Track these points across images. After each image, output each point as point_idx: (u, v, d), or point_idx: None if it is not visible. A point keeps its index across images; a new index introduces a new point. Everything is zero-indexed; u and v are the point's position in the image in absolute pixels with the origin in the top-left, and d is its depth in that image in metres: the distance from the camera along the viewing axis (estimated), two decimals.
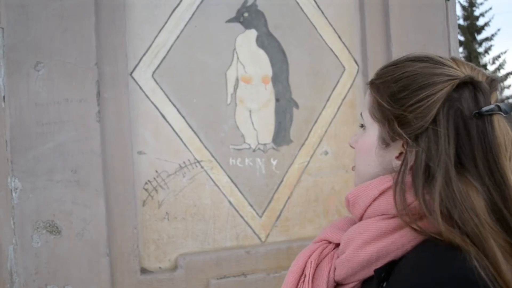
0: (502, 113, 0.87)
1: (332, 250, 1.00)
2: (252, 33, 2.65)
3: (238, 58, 2.62)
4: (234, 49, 2.61)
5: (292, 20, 2.73)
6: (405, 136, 0.89)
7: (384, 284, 0.86)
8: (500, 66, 31.12)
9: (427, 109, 0.87)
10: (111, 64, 2.32)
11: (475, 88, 0.87)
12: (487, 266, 0.76)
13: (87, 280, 2.23)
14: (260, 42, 2.66)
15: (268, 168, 2.65)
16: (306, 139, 2.73)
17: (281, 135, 2.69)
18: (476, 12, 30.50)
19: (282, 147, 2.69)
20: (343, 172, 2.79)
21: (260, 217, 2.65)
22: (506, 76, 30.86)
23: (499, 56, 31.10)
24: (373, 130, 0.97)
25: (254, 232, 2.63)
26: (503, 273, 0.76)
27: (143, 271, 2.41)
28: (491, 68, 31.34)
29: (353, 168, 1.05)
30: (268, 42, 2.68)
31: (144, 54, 2.46)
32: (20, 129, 2.14)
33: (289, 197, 2.70)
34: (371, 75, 2.88)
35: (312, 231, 2.72)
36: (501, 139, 0.86)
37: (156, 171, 2.46)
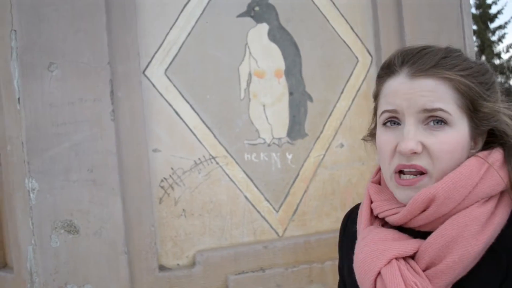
0: None
1: (405, 266, 0.87)
2: (264, 27, 2.63)
3: (250, 52, 2.60)
4: (246, 43, 2.60)
5: (303, 13, 2.71)
6: (494, 122, 0.91)
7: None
8: None
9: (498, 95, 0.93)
10: (124, 62, 2.33)
11: None
12: None
13: (106, 279, 2.24)
14: (272, 36, 2.64)
15: (283, 162, 2.63)
16: (321, 132, 2.71)
17: (295, 129, 2.67)
18: (489, 0, 30.10)
19: (297, 141, 2.67)
20: (359, 164, 2.77)
21: (277, 211, 2.64)
22: None
23: None
24: (462, 124, 0.89)
25: (271, 226, 2.62)
26: None
27: (161, 268, 2.42)
28: (505, 56, 30.93)
29: (421, 173, 0.89)
30: (280, 36, 2.66)
31: (156, 51, 2.45)
32: (35, 130, 2.15)
33: (305, 191, 2.68)
34: None
35: (329, 224, 2.71)
36: None
37: (172, 168, 2.46)
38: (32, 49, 2.15)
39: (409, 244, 0.88)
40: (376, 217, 0.98)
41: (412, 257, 0.88)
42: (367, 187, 1.03)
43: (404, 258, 0.88)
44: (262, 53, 2.63)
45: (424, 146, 0.87)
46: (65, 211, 2.19)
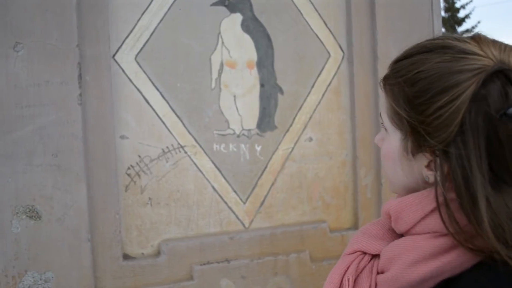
0: None
1: (369, 262, 0.91)
2: (237, 17, 2.61)
3: (223, 42, 2.58)
4: (219, 33, 2.58)
5: (277, 5, 2.71)
6: (430, 149, 0.80)
7: None
8: None
9: (450, 117, 0.75)
10: (93, 46, 2.27)
11: (506, 78, 0.74)
12: None
13: (68, 266, 2.19)
14: (245, 27, 2.63)
15: (252, 154, 2.63)
16: (291, 125, 2.72)
17: (265, 121, 2.67)
18: (457, 4, 30.77)
19: (267, 133, 2.67)
20: (327, 159, 2.79)
21: (244, 203, 2.64)
22: None
23: None
24: (395, 137, 0.86)
25: (237, 218, 2.62)
26: None
27: (126, 257, 2.39)
28: None
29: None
30: (253, 27, 2.65)
31: (127, 36, 2.41)
32: None
33: (273, 183, 2.69)
34: (356, 62, 2.88)
35: (296, 217, 2.72)
36: None
37: (139, 156, 2.43)
38: None
39: (378, 245, 0.90)
40: None
41: None
42: None
43: (374, 255, 0.90)
44: (235, 43, 2.61)
45: None
46: (27, 196, 2.13)
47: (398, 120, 0.84)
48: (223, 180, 2.59)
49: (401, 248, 0.83)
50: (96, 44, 2.27)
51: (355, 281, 0.88)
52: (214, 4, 2.56)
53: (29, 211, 2.13)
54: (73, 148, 2.19)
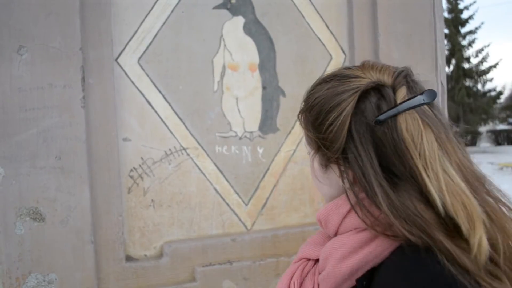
0: (403, 109, 0.86)
1: (312, 267, 1.03)
2: (240, 20, 2.63)
3: (225, 45, 2.60)
4: (221, 36, 2.59)
5: (279, 8, 2.72)
6: (334, 159, 0.94)
7: None
8: (483, 59, 31.45)
9: (339, 130, 0.90)
10: (96, 49, 2.29)
11: (378, 93, 0.90)
12: (454, 261, 0.79)
13: (72, 268, 2.21)
14: (247, 29, 2.64)
15: (254, 156, 2.64)
16: (293, 127, 2.73)
17: (267, 123, 2.68)
18: (461, 5, 30.75)
19: (269, 135, 2.68)
20: None
21: (246, 205, 2.65)
22: (489, 68, 31.22)
23: (482, 49, 31.43)
24: (312, 157, 1.02)
25: (240, 220, 2.63)
26: (465, 264, 0.79)
27: (128, 258, 2.40)
28: (474, 61, 31.66)
29: None
30: (255, 30, 2.66)
31: (130, 39, 2.43)
32: (2, 115, 2.10)
33: (275, 185, 2.70)
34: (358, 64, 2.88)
35: (298, 219, 2.73)
36: (408, 140, 0.85)
37: (142, 158, 2.44)
38: (1, 31, 2.10)
39: (318, 251, 1.01)
40: None
41: None
42: None
43: (317, 260, 1.02)
44: (237, 46, 2.62)
45: None
46: (31, 198, 2.14)
47: (310, 142, 1.00)
48: (225, 182, 2.60)
49: (331, 247, 0.94)
50: (99, 47, 2.29)
51: (301, 284, 1.02)
52: (216, 7, 2.58)
53: (32, 213, 2.15)
54: (76, 151, 2.20)
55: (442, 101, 3.16)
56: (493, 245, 0.82)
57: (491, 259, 0.82)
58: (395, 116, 0.86)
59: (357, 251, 0.90)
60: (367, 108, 0.89)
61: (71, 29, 2.21)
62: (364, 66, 0.96)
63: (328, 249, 0.95)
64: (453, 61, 30.69)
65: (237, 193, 2.62)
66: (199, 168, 2.55)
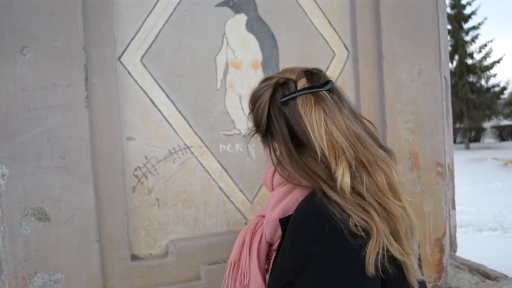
0: (299, 95, 1.24)
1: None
2: (242, 18, 2.62)
3: (227, 43, 2.59)
4: (224, 33, 2.59)
5: (282, 5, 2.71)
6: (264, 134, 1.34)
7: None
8: (487, 55, 31.33)
9: (262, 111, 1.31)
10: (99, 48, 2.29)
11: (285, 85, 1.29)
12: (328, 199, 1.12)
13: (77, 267, 2.21)
14: (250, 27, 2.64)
15: (258, 153, 2.64)
16: None
17: None
18: (463, 1, 30.61)
19: None
20: None
21: (251, 202, 2.65)
22: (493, 64, 31.10)
23: (485, 45, 31.31)
24: (265, 141, 1.40)
25: (244, 217, 2.63)
26: (336, 200, 1.11)
27: (134, 257, 2.40)
28: (477, 56, 31.55)
29: None
30: (258, 27, 2.66)
31: (133, 38, 2.42)
32: (6, 115, 2.10)
33: None
34: (361, 61, 2.88)
35: None
36: (302, 112, 1.21)
37: (146, 157, 2.44)
38: (3, 31, 2.10)
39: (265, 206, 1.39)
40: None
41: None
42: None
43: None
44: (240, 43, 2.62)
45: None
46: (36, 198, 2.15)
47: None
48: (229, 180, 2.60)
49: (268, 200, 1.33)
50: (102, 46, 2.29)
51: (253, 232, 1.39)
52: (218, 5, 2.57)
53: (38, 213, 2.15)
54: (80, 150, 2.20)
55: (446, 97, 3.14)
56: (360, 182, 1.14)
57: (360, 195, 1.13)
58: (294, 98, 1.24)
59: (281, 200, 1.28)
60: (277, 95, 1.28)
61: (73, 28, 2.21)
62: (283, 70, 1.36)
63: (267, 202, 1.33)
64: (456, 57, 30.57)
65: (242, 191, 2.62)
66: (203, 167, 2.55)
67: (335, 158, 1.15)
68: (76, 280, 2.20)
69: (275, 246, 1.33)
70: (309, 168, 1.18)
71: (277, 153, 1.28)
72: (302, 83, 1.27)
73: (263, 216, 1.40)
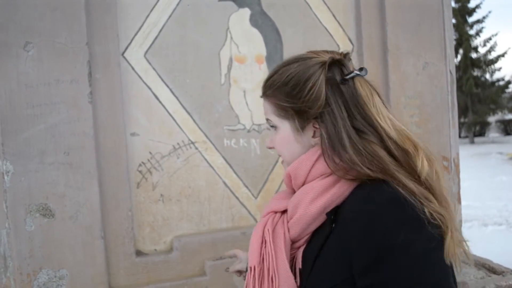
0: (361, 75, 1.15)
1: (280, 217, 1.25)
2: (246, 12, 2.60)
3: (231, 37, 2.58)
4: (228, 28, 2.57)
5: None
6: (313, 119, 1.16)
7: (333, 225, 1.11)
8: (491, 49, 31.19)
9: (317, 94, 1.13)
10: (102, 44, 2.28)
11: (339, 63, 1.17)
12: (403, 187, 1.04)
13: (82, 263, 2.21)
14: (253, 21, 2.62)
15: (263, 148, 2.63)
16: None
17: None
18: None
19: None
20: None
21: (256, 198, 2.64)
22: (497, 58, 30.96)
23: (490, 39, 31.16)
24: (284, 126, 1.22)
25: (249, 213, 2.62)
26: (412, 189, 1.04)
27: (138, 253, 2.40)
28: (482, 50, 31.42)
29: (282, 162, 1.30)
30: (262, 21, 2.64)
31: (136, 33, 2.41)
32: (10, 111, 2.10)
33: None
34: (366, 54, 2.85)
35: None
36: (363, 94, 1.13)
37: (150, 153, 2.43)
38: (7, 27, 2.09)
39: (284, 203, 1.24)
40: None
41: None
42: None
43: (283, 212, 1.25)
44: (244, 38, 2.60)
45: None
46: (40, 195, 2.14)
47: (284, 113, 1.20)
48: (234, 175, 2.59)
49: (301, 194, 1.17)
50: (105, 42, 2.28)
51: (273, 230, 1.22)
52: None
53: (42, 209, 2.15)
54: (84, 146, 2.20)
55: (451, 91, 3.12)
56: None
57: (425, 184, 1.08)
58: (353, 78, 1.15)
59: (323, 193, 1.14)
60: (335, 74, 1.15)
61: (76, 24, 2.20)
62: (314, 52, 1.21)
63: (298, 196, 1.17)
64: (461, 50, 30.46)
65: (246, 186, 2.61)
66: (207, 162, 2.54)
67: (413, 145, 1.11)
68: (81, 276, 2.20)
69: (300, 243, 1.21)
70: (376, 155, 1.08)
71: (325, 140, 1.13)
72: (351, 64, 1.19)
73: (275, 212, 1.27)
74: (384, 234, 1.01)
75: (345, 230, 1.07)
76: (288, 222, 1.20)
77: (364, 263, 1.02)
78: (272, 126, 1.26)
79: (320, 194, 1.14)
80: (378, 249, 1.00)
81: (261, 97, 1.27)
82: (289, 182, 1.23)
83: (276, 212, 1.26)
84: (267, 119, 1.26)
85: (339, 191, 1.13)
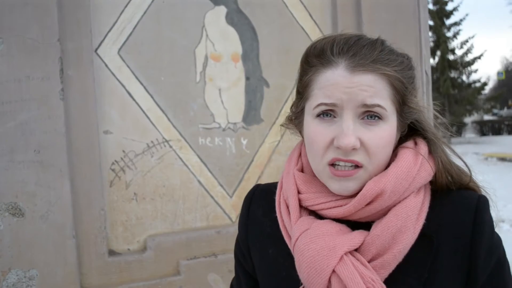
0: None
1: (355, 260, 0.87)
2: (222, 10, 2.59)
3: (207, 35, 2.56)
4: (203, 26, 2.55)
5: None
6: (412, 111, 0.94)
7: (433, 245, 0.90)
8: (468, 51, 31.65)
9: (416, 80, 0.95)
10: (75, 40, 2.24)
11: None
12: None
13: (53, 263, 2.17)
14: (229, 19, 2.61)
15: (238, 147, 2.61)
16: (277, 118, 2.70)
17: (251, 114, 2.65)
18: None
19: (253, 126, 2.65)
20: None
21: (231, 197, 2.62)
22: (474, 60, 31.44)
23: (467, 41, 31.61)
24: (393, 119, 0.91)
25: (224, 212, 2.60)
26: None
27: (111, 253, 2.36)
28: (459, 52, 31.86)
29: (357, 167, 0.89)
30: (238, 19, 2.62)
31: (110, 30, 2.37)
32: None
33: (259, 177, 2.67)
34: None
35: None
36: None
37: (123, 151, 2.40)
38: None
39: (355, 237, 0.88)
40: (301, 207, 0.97)
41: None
42: (290, 175, 1.01)
43: (351, 252, 0.87)
44: (219, 36, 2.59)
45: (361, 141, 0.87)
46: (9, 193, 2.09)
47: (398, 96, 0.91)
48: (209, 174, 2.57)
49: (402, 218, 0.88)
50: (77, 38, 2.24)
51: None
52: None
53: (11, 208, 2.10)
54: (56, 144, 2.16)
55: (427, 92, 3.15)
56: None
57: None
58: None
59: (421, 212, 0.90)
60: None
61: (48, 19, 2.15)
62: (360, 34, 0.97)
63: (397, 222, 0.87)
64: (438, 52, 30.84)
65: (221, 185, 2.60)
66: (182, 161, 2.52)
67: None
68: (52, 277, 2.16)
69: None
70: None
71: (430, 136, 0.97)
72: None
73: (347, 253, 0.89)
74: (498, 239, 0.93)
75: (462, 245, 0.89)
76: (369, 262, 0.87)
77: (488, 272, 0.90)
78: (375, 117, 0.89)
79: (419, 215, 0.90)
80: (497, 254, 0.92)
81: (362, 70, 0.87)
82: (367, 203, 0.89)
83: (346, 253, 0.87)
84: (371, 105, 0.87)
85: (427, 206, 0.92)
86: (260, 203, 1.09)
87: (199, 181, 2.55)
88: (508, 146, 21.47)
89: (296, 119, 1.03)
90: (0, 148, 2.08)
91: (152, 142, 2.45)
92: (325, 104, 0.88)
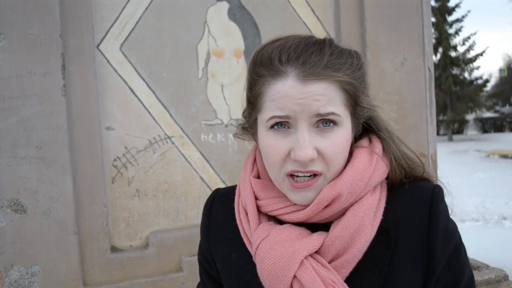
0: None
1: (315, 263, 0.88)
2: (224, 5, 2.58)
3: (209, 31, 2.55)
4: (205, 21, 2.54)
5: None
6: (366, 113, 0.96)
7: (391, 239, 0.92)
8: (470, 48, 31.60)
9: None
10: (77, 36, 2.23)
11: None
12: None
13: (55, 260, 2.16)
14: (231, 15, 2.59)
15: (240, 144, 2.61)
16: None
17: None
18: None
19: None
20: None
21: None
22: (476, 57, 31.39)
23: (469, 38, 31.55)
24: (348, 122, 0.91)
25: None
26: None
27: (114, 249, 2.36)
28: (461, 49, 31.82)
29: (315, 175, 0.89)
30: (240, 15, 2.61)
31: (112, 25, 2.37)
32: None
33: None
34: None
35: None
36: None
37: (125, 147, 2.40)
38: None
39: (315, 240, 0.89)
40: (260, 212, 0.97)
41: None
42: (247, 182, 0.99)
43: (311, 255, 0.88)
44: (222, 32, 2.58)
45: (318, 150, 0.86)
46: (12, 189, 2.09)
47: (351, 100, 0.90)
48: (211, 170, 2.56)
49: (359, 217, 0.89)
50: (79, 34, 2.23)
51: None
52: None
53: (14, 205, 2.10)
54: (57, 140, 2.15)
55: (429, 88, 3.13)
56: None
57: None
58: None
59: (378, 209, 0.92)
60: None
61: (50, 15, 2.15)
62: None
63: (355, 222, 0.88)
64: (440, 49, 30.79)
65: (224, 182, 2.59)
66: (184, 157, 2.51)
67: None
68: (54, 273, 2.16)
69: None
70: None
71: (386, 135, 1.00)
72: None
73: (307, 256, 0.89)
74: (453, 224, 0.97)
75: (419, 236, 0.91)
76: (329, 263, 0.88)
77: (445, 260, 0.92)
78: (330, 122, 0.87)
79: (376, 211, 0.91)
80: (454, 242, 0.95)
81: (313, 79, 0.85)
82: (324, 207, 0.90)
83: (307, 257, 0.88)
84: (323, 114, 0.85)
85: (384, 202, 0.94)
86: (220, 208, 1.08)
87: (201, 178, 2.54)
88: (510, 143, 21.43)
89: (250, 129, 1.01)
90: (2, 144, 2.08)
91: (154, 138, 2.44)
92: (278, 117, 0.86)
